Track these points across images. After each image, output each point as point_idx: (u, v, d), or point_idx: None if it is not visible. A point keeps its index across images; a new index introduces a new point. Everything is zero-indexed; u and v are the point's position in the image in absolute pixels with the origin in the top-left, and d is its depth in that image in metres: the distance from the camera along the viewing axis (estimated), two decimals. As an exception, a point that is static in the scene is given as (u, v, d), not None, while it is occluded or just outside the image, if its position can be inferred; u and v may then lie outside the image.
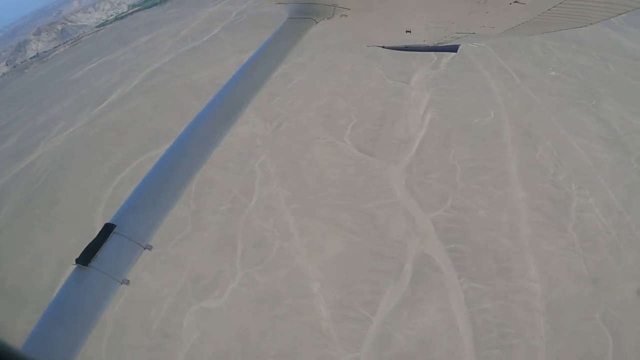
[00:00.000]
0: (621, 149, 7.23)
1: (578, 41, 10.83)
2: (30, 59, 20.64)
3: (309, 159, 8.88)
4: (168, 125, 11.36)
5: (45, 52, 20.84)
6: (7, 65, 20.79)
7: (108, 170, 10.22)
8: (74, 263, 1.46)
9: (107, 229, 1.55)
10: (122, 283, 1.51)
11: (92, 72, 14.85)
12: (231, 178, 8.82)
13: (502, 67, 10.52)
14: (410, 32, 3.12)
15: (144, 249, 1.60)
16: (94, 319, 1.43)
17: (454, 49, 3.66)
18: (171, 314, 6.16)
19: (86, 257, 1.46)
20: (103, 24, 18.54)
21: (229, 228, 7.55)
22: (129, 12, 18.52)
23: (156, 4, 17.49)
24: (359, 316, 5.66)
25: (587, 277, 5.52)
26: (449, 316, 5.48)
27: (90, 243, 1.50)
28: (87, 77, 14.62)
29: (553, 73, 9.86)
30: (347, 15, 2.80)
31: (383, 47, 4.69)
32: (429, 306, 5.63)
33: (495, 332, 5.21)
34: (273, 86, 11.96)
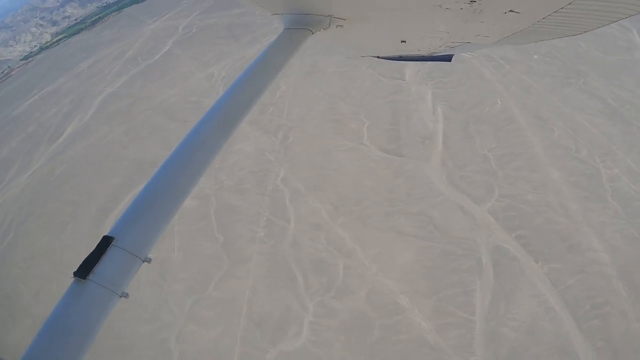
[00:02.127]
0: (621, 120, 8.43)
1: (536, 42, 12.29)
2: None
3: (336, 168, 8.78)
4: (151, 153, 10.33)
5: (-28, 94, 17.21)
6: None
7: (95, 213, 8.95)
8: (72, 276, 1.46)
9: (105, 242, 1.55)
10: (120, 296, 1.53)
11: (34, 105, 12.80)
12: (255, 200, 8.35)
13: (488, 55, 11.49)
14: (405, 42, 3.26)
15: (143, 261, 1.62)
16: (93, 334, 1.44)
17: (448, 58, 3.81)
18: (253, 366, 5.70)
19: (84, 271, 1.47)
20: (29, 56, 16.30)
21: (276, 256, 7.16)
22: (54, 41, 16.48)
23: (82, 30, 15.79)
24: (460, 320, 5.83)
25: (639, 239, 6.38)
26: (542, 300, 5.92)
27: (88, 256, 1.51)
28: (31, 112, 12.57)
29: (535, 56, 11.07)
30: (342, 26, 2.92)
31: (377, 57, 4.85)
32: (521, 294, 6.01)
33: (587, 304, 5.78)
34: (263, 99, 11.52)
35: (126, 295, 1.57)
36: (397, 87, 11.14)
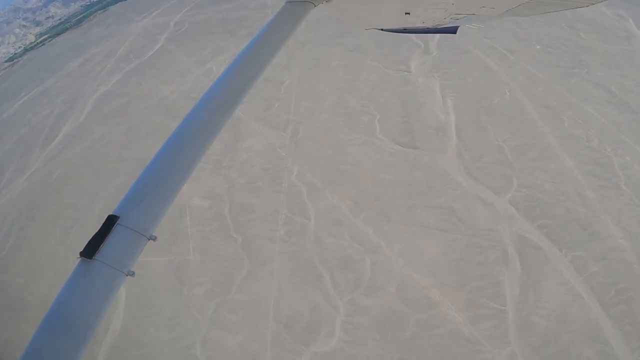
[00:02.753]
0: (627, 109, 8.71)
1: (543, 14, 12.51)
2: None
3: (352, 162, 8.74)
4: (153, 152, 9.91)
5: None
6: None
7: (98, 216, 8.60)
8: (78, 256, 1.48)
9: (110, 221, 1.58)
10: (127, 275, 1.55)
11: (24, 107, 12.11)
12: (271, 198, 8.22)
13: (491, 46, 11.62)
14: (409, 13, 3.24)
15: (148, 239, 1.65)
16: (101, 312, 1.45)
17: (453, 30, 3.79)
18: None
19: (90, 250, 1.49)
20: (13, 58, 15.48)
21: (299, 254, 7.09)
22: (38, 41, 15.70)
23: (67, 29, 15.08)
24: (492, 311, 5.94)
25: (656, 225, 6.64)
26: (569, 288, 6.10)
27: (94, 236, 1.52)
28: (21, 114, 11.89)
29: (538, 47, 11.27)
30: None
31: (381, 29, 4.81)
32: (548, 283, 6.17)
33: (612, 290, 5.99)
34: (263, 92, 11.38)
35: (132, 274, 1.58)
36: (404, 79, 11.14)
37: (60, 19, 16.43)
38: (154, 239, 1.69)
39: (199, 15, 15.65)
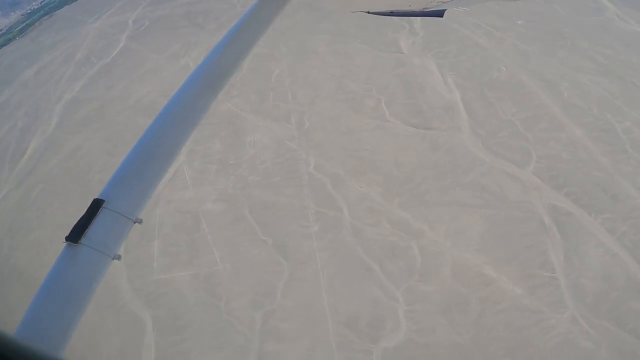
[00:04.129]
0: (616, 77, 9.47)
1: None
2: None
3: (369, 148, 8.57)
4: (142, 156, 9.06)
5: None
6: None
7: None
8: (64, 241, 1.51)
9: (96, 205, 1.61)
10: (113, 258, 1.59)
11: None
12: (293, 193, 7.82)
13: (475, 24, 12.00)
14: None
15: (134, 222, 1.68)
16: (87, 296, 1.49)
17: (439, 13, 3.89)
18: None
19: (76, 234, 1.53)
20: None
21: (340, 249, 6.84)
22: None
23: (11, 40, 13.25)
24: (545, 280, 6.18)
25: (665, 181, 7.31)
26: (605, 248, 6.53)
27: (80, 220, 1.57)
28: None
29: (519, 22, 11.84)
30: None
31: (368, 12, 4.83)
32: (587, 246, 6.56)
33: (643, 247, 6.51)
34: (253, 84, 10.82)
35: (119, 257, 1.64)
36: (399, 60, 11.14)
37: (1, 30, 14.44)
38: (140, 222, 1.70)
39: (158, 11, 14.47)
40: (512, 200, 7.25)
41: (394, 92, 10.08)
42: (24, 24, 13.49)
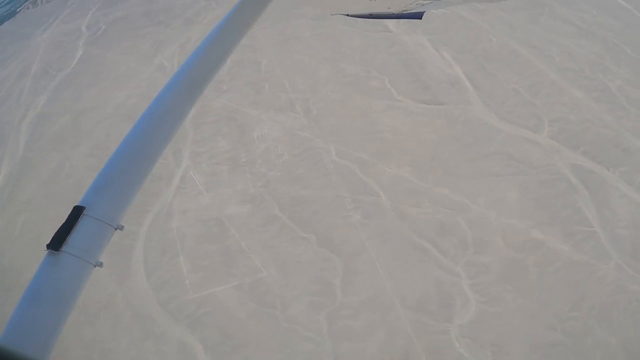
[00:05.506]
0: (598, 39, 10.29)
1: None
2: None
3: (387, 129, 8.55)
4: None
5: None
6: None
7: (105, 262, 6.87)
8: (45, 249, 1.57)
9: (77, 212, 1.66)
10: (95, 265, 1.66)
11: None
12: (322, 184, 7.60)
13: (455, -2, 12.39)
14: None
15: (115, 229, 1.76)
16: (70, 305, 1.56)
17: (419, 16, 4.04)
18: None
19: (57, 242, 1.57)
20: None
21: (390, 234, 6.76)
22: None
23: None
24: (586, 234, 6.62)
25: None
26: (629, 199, 7.13)
27: (61, 227, 1.61)
28: None
29: (497, -6, 12.41)
30: None
31: (347, 15, 5.05)
32: (613, 199, 7.11)
33: (661, 192, 7.19)
34: (243, 77, 10.39)
35: (100, 264, 1.67)
36: (389, 39, 11.21)
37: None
38: (121, 228, 1.73)
39: (112, 14, 13.27)
40: (537, 164, 7.64)
41: (395, 71, 10.14)
42: (-38, 45, 11.83)
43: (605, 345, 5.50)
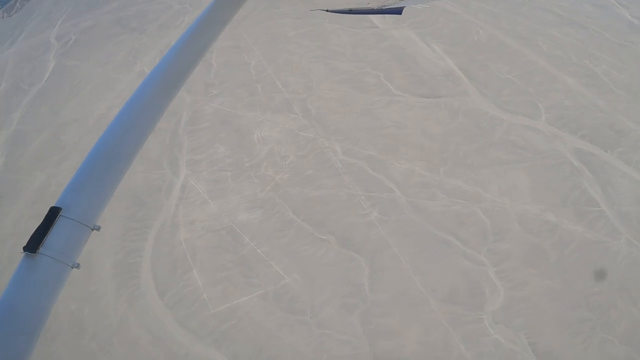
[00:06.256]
0: (579, 26, 11.08)
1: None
2: None
3: (391, 124, 8.79)
4: (136, 176, 8.11)
5: None
6: None
7: (114, 283, 6.62)
8: (22, 251, 1.61)
9: (53, 213, 1.71)
10: (72, 267, 1.69)
11: None
12: (334, 184, 7.70)
13: (437, -8, 12.92)
14: None
15: (92, 229, 1.80)
16: (48, 307, 1.60)
17: (398, 11, 4.18)
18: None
19: (34, 244, 1.62)
20: None
21: (408, 228, 6.96)
22: None
23: None
24: (595, 214, 7.10)
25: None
26: (629, 177, 7.73)
27: (37, 229, 1.66)
28: None
29: (477, -13, 13.04)
30: None
31: (327, 10, 5.26)
32: (615, 178, 7.68)
33: (657, 168, 7.84)
34: (233, 78, 10.42)
35: (77, 266, 1.70)
36: (378, 35, 11.54)
37: None
38: (98, 229, 1.77)
39: (81, 23, 12.90)
40: (541, 150, 8.13)
41: (388, 66, 10.44)
42: None
43: (628, 315, 5.95)
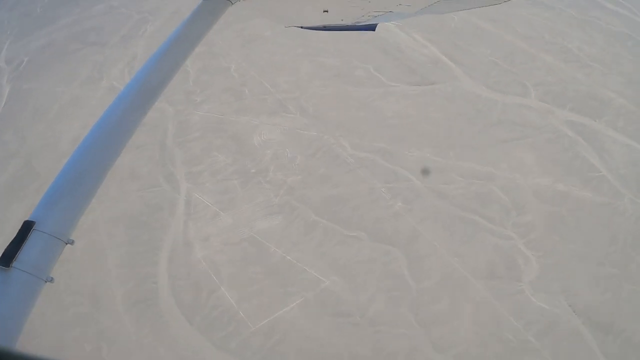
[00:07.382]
0: (546, 7, 12.33)
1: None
2: None
3: (392, 115, 9.28)
4: (130, 200, 7.89)
5: None
6: None
7: (126, 312, 6.41)
8: None
9: (27, 227, 1.77)
10: (46, 281, 1.75)
11: None
12: (350, 180, 8.00)
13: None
14: (327, 11, 3.84)
15: (66, 243, 1.87)
16: (21, 321, 1.66)
17: (372, 27, 4.40)
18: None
19: (6, 259, 1.67)
20: None
21: (436, 214, 7.41)
22: None
23: None
24: (599, 180, 8.01)
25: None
26: (620, 143, 8.78)
27: (10, 243, 1.73)
28: None
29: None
30: None
31: (301, 27, 5.64)
32: (607, 144, 8.70)
33: (641, 132, 8.96)
34: (216, 85, 10.56)
35: (51, 280, 1.76)
36: (362, 33, 12.01)
37: None
38: (72, 242, 1.86)
39: (32, 43, 12.19)
40: (538, 125, 8.98)
41: (374, 58, 10.97)
42: None
43: (647, 267, 6.80)
